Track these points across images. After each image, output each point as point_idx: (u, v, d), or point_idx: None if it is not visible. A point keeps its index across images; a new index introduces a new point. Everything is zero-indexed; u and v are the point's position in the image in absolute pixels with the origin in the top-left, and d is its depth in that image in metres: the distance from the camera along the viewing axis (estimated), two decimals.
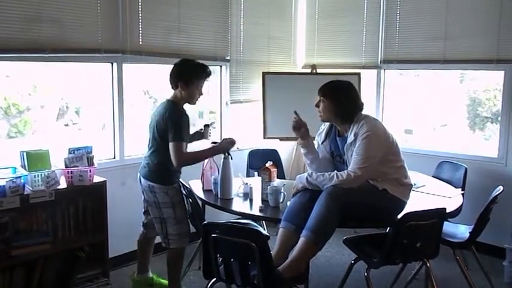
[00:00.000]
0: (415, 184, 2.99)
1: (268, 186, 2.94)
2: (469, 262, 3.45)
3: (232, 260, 2.21)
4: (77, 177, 2.97)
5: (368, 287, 2.62)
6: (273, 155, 4.07)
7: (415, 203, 2.78)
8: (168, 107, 2.87)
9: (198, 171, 3.29)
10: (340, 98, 2.69)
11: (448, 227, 3.02)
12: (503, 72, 3.91)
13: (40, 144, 3.05)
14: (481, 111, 4.52)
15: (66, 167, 2.97)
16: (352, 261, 2.79)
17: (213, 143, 3.11)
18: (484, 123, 4.49)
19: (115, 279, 3.35)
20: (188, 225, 3.03)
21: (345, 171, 2.56)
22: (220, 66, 4.38)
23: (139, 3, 3.59)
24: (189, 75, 2.90)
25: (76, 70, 3.57)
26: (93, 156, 3.12)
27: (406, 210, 2.60)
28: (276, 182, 3.14)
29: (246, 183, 3.13)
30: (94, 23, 3.33)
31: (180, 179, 3.09)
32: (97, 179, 3.11)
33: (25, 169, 2.87)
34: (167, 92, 3.03)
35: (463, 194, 3.21)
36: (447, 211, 2.62)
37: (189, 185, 3.12)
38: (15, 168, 2.94)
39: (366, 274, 2.63)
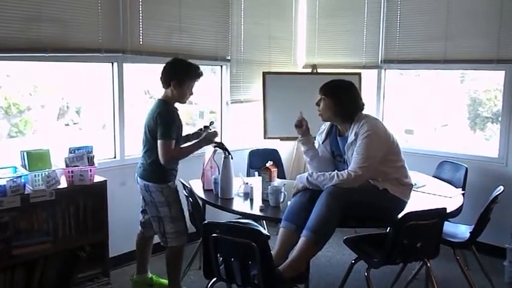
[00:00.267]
0: (415, 184, 2.98)
1: (269, 186, 2.94)
2: (470, 262, 3.45)
3: (232, 259, 2.21)
4: (77, 176, 2.97)
5: (368, 286, 2.62)
6: (273, 155, 4.08)
7: (415, 203, 2.78)
8: (159, 106, 2.89)
9: (198, 171, 3.29)
10: (341, 97, 2.70)
11: (448, 227, 3.02)
12: (503, 72, 3.91)
13: (40, 144, 3.05)
14: (481, 111, 4.52)
15: (66, 167, 2.97)
16: (353, 261, 2.78)
17: (215, 144, 3.10)
18: (485, 123, 4.49)
19: (115, 278, 3.35)
20: (185, 223, 3.03)
21: (346, 170, 2.56)
22: (221, 66, 4.38)
23: (140, 3, 3.59)
24: (182, 75, 2.91)
25: (76, 70, 3.57)
26: (93, 156, 3.12)
27: (406, 210, 2.60)
28: (277, 181, 3.14)
29: (247, 183, 3.13)
30: (95, 22, 3.34)
31: (181, 179, 3.09)
32: (97, 178, 3.11)
33: (26, 169, 2.87)
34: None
35: (463, 194, 3.21)
36: (448, 211, 2.62)
37: (189, 185, 3.12)
38: (16, 167, 2.94)
39: (366, 274, 2.63)
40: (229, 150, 3.05)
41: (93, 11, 3.32)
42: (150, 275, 3.27)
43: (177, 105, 2.99)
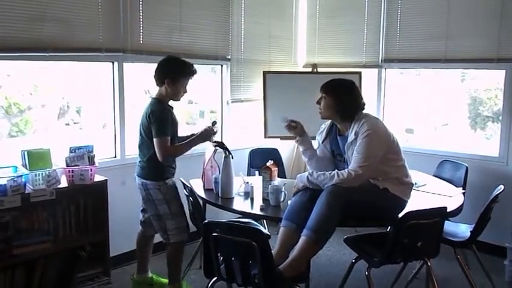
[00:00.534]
0: (416, 183, 2.98)
1: (269, 185, 2.94)
2: (470, 261, 3.45)
3: (233, 259, 2.21)
4: (77, 176, 2.97)
5: (369, 286, 2.62)
6: (273, 154, 4.08)
7: (416, 202, 2.78)
8: (152, 105, 2.90)
9: (199, 171, 3.29)
10: (342, 95, 2.70)
11: (449, 226, 3.02)
12: (504, 71, 3.91)
13: (41, 144, 3.05)
14: (482, 110, 4.52)
15: (67, 166, 2.98)
16: (353, 260, 2.78)
17: (215, 143, 3.10)
18: (485, 123, 4.49)
19: (116, 278, 3.35)
20: (186, 219, 3.04)
21: (346, 170, 2.56)
22: (221, 66, 4.38)
23: (140, 3, 3.59)
24: (176, 73, 2.91)
25: (77, 69, 3.57)
26: (94, 155, 3.12)
27: (407, 209, 2.60)
28: (277, 181, 3.14)
29: (247, 182, 3.13)
30: (95, 22, 3.34)
31: (181, 178, 3.09)
32: (98, 178, 3.11)
33: (26, 168, 2.87)
34: None
35: (464, 193, 3.21)
36: (448, 210, 2.62)
37: (190, 184, 3.12)
38: (16, 167, 2.94)
39: (366, 273, 2.63)
40: (229, 149, 3.05)
41: (94, 10, 3.32)
42: (150, 274, 3.27)
43: (173, 103, 2.99)
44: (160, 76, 2.93)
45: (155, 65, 3.01)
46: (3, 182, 2.66)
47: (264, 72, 4.52)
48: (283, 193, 2.90)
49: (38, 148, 2.95)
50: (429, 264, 2.70)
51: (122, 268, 3.60)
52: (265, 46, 4.66)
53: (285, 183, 3.00)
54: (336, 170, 2.60)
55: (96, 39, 3.35)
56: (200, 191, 3.17)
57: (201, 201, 3.12)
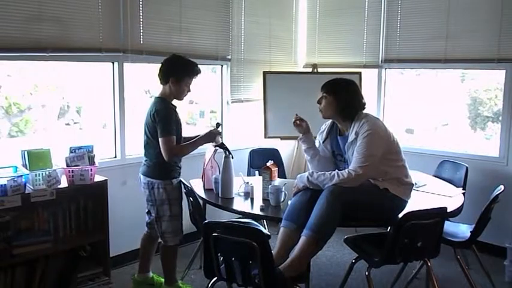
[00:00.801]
0: (416, 183, 2.98)
1: (269, 186, 2.94)
2: (470, 261, 3.45)
3: (233, 259, 2.21)
4: (78, 176, 2.97)
5: (369, 286, 2.62)
6: (274, 154, 4.08)
7: (416, 203, 2.78)
8: (156, 104, 2.90)
9: (199, 171, 3.30)
10: (343, 95, 2.70)
11: (449, 226, 3.02)
12: (504, 71, 3.91)
13: (41, 144, 3.05)
14: (482, 110, 4.52)
15: (67, 166, 2.97)
16: (353, 261, 2.78)
17: (216, 146, 3.10)
18: (485, 123, 4.49)
19: (116, 278, 3.35)
20: (181, 223, 3.05)
21: (346, 170, 2.56)
22: (221, 66, 4.38)
23: (140, 3, 3.59)
24: (180, 72, 2.92)
25: (77, 69, 3.57)
26: (94, 156, 3.12)
27: (407, 210, 2.60)
28: (277, 181, 3.15)
29: (247, 183, 3.14)
30: (95, 22, 3.34)
31: (181, 178, 3.09)
32: (98, 178, 3.11)
33: (26, 168, 2.87)
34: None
35: (464, 194, 3.21)
36: (448, 210, 2.62)
37: (190, 184, 3.12)
38: (17, 167, 2.94)
39: (366, 273, 2.63)
40: (229, 149, 3.05)
41: (94, 10, 3.32)
42: (151, 274, 3.27)
43: (176, 103, 2.99)
44: (165, 75, 2.93)
45: (155, 65, 3.01)
46: (3, 182, 2.66)
47: (264, 72, 4.52)
48: (283, 193, 2.90)
49: (38, 148, 2.95)
50: (429, 264, 2.70)
51: (122, 268, 3.60)
52: (265, 46, 4.66)
53: (285, 184, 3.00)
54: (336, 170, 2.60)
55: (96, 39, 3.35)
56: (200, 191, 3.17)
57: (201, 201, 3.12)
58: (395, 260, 2.59)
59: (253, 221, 2.91)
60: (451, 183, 3.46)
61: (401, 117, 4.81)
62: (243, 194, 3.12)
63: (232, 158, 3.04)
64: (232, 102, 4.44)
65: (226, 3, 4.24)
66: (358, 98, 2.75)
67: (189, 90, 3.00)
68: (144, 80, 4.04)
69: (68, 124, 3.71)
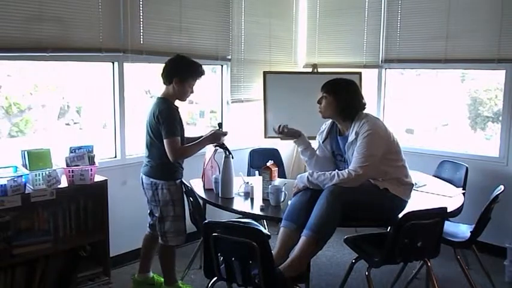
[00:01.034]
0: (416, 183, 2.98)
1: (269, 186, 2.94)
2: (470, 261, 3.45)
3: (233, 259, 2.21)
4: (78, 176, 2.97)
5: (369, 286, 2.62)
6: (274, 154, 4.08)
7: (416, 203, 2.78)
8: (159, 105, 2.90)
9: (199, 171, 3.30)
10: (343, 95, 2.70)
11: (449, 226, 3.02)
12: (504, 71, 3.91)
13: (41, 143, 3.05)
14: (482, 110, 4.52)
15: (67, 166, 2.97)
16: (353, 261, 2.78)
17: (216, 146, 3.10)
18: (485, 123, 4.49)
19: (116, 278, 3.35)
20: (185, 223, 3.04)
21: (346, 170, 2.56)
22: (221, 66, 4.38)
23: (141, 3, 3.59)
24: (185, 73, 2.92)
25: (77, 69, 3.57)
26: (94, 156, 3.12)
27: (407, 210, 2.60)
28: (277, 181, 3.15)
29: (247, 183, 3.14)
30: (95, 22, 3.34)
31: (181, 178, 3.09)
32: (98, 178, 3.11)
33: (26, 168, 2.87)
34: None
35: (464, 194, 3.21)
36: (448, 210, 2.62)
37: (190, 184, 3.12)
38: (17, 167, 2.94)
39: (366, 273, 2.63)
40: (229, 149, 3.05)
41: (94, 10, 3.32)
42: (151, 274, 3.27)
43: (176, 103, 2.99)
44: (169, 75, 2.93)
45: (155, 65, 3.01)
46: (3, 182, 2.66)
47: (264, 72, 4.52)
48: (283, 193, 2.90)
49: (38, 148, 2.95)
50: (429, 264, 2.70)
51: (122, 268, 3.60)
52: (265, 46, 4.66)
53: (285, 184, 3.00)
54: (336, 170, 2.60)
55: (96, 39, 3.35)
56: (200, 191, 3.17)
57: (201, 201, 3.12)
58: (395, 260, 2.59)
59: (253, 221, 2.90)
60: (451, 183, 3.45)
61: (402, 117, 4.81)
62: (243, 194, 3.12)
63: (232, 158, 3.04)
64: (232, 102, 4.44)
65: (226, 3, 4.24)
66: (358, 98, 2.75)
67: (192, 92, 3.00)
68: (144, 80, 4.04)
69: (68, 124, 3.71)
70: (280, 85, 4.52)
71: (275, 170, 3.12)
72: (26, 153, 2.89)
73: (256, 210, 2.86)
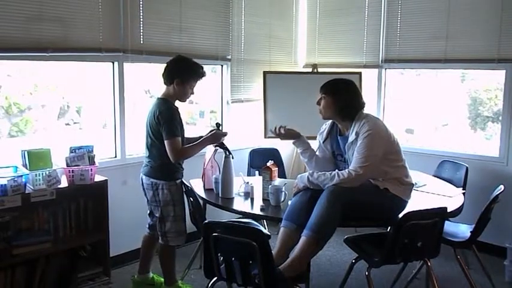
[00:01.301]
0: (416, 183, 2.98)
1: (269, 186, 2.94)
2: (470, 261, 3.46)
3: (233, 259, 2.21)
4: (78, 176, 2.97)
5: (369, 286, 2.62)
6: (274, 154, 4.08)
7: (416, 203, 2.78)
8: (159, 105, 2.90)
9: (199, 171, 3.30)
10: (342, 95, 2.70)
11: (449, 226, 3.02)
12: (504, 71, 3.91)
13: (41, 143, 3.05)
14: (482, 110, 4.52)
15: (67, 166, 2.97)
16: (353, 261, 2.79)
17: (216, 146, 3.10)
18: (485, 123, 4.49)
19: (116, 278, 3.35)
20: (185, 224, 3.04)
21: (346, 170, 2.56)
22: (221, 66, 4.38)
23: (141, 2, 3.59)
24: (186, 74, 2.92)
25: (77, 69, 3.57)
26: (94, 155, 3.12)
27: (407, 210, 2.60)
28: (277, 181, 3.15)
29: (247, 183, 3.13)
30: (95, 22, 3.34)
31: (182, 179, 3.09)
32: (98, 178, 3.11)
33: (26, 168, 2.87)
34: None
35: (464, 194, 3.21)
36: (448, 210, 2.62)
37: (190, 184, 3.12)
38: (17, 167, 2.94)
39: (366, 273, 2.63)
40: (229, 149, 3.05)
41: (94, 10, 3.32)
42: (151, 275, 3.27)
43: (177, 103, 2.99)
44: (170, 75, 2.93)
45: (155, 65, 3.01)
46: (3, 182, 2.66)
47: (264, 72, 4.52)
48: (283, 193, 2.90)
49: (38, 148, 2.95)
50: (429, 264, 2.70)
51: (122, 268, 3.60)
52: (265, 46, 4.66)
53: (285, 184, 3.00)
54: (337, 170, 2.60)
55: (96, 39, 3.35)
56: (200, 191, 3.17)
57: (201, 201, 3.12)
58: (395, 260, 2.59)
59: (253, 221, 2.90)
60: (451, 183, 3.46)
61: (402, 117, 4.81)
62: (243, 194, 3.11)
63: (233, 158, 3.04)
64: (232, 102, 4.44)
65: (226, 3, 4.24)
66: (357, 97, 2.75)
67: (192, 93, 3.00)
68: (144, 80, 4.04)
69: (68, 124, 3.71)
70: (280, 85, 4.52)
71: (275, 170, 3.12)
72: (26, 153, 2.89)
73: (256, 210, 2.86)
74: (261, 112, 4.52)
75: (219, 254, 2.25)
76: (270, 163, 3.12)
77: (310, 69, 4.89)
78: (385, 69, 4.60)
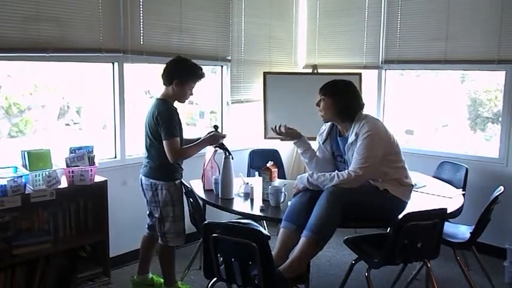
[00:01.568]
0: (416, 184, 2.98)
1: (269, 186, 2.94)
2: (470, 262, 3.45)
3: (233, 259, 2.21)
4: (78, 176, 2.97)
5: (369, 287, 2.62)
6: (273, 155, 4.08)
7: (416, 203, 2.77)
8: (158, 106, 2.90)
9: (199, 171, 3.30)
10: (341, 96, 2.70)
11: (448, 227, 3.02)
12: (504, 72, 3.91)
13: (41, 144, 3.05)
14: (482, 111, 4.52)
15: (67, 167, 2.98)
16: (353, 262, 2.79)
17: (216, 147, 3.11)
18: (485, 124, 4.49)
19: (116, 278, 3.35)
20: (184, 224, 3.05)
21: (346, 171, 2.56)
22: (222, 66, 4.39)
23: (141, 3, 3.59)
24: (185, 75, 2.92)
25: (77, 69, 3.57)
26: (94, 156, 3.12)
27: (406, 211, 2.60)
28: (277, 182, 3.14)
29: (247, 183, 3.13)
30: (95, 22, 3.34)
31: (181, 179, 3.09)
32: (98, 178, 3.11)
33: (26, 168, 2.87)
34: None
35: (463, 195, 3.21)
36: (448, 211, 2.62)
37: (189, 185, 3.12)
38: (17, 167, 2.94)
39: (366, 274, 2.63)
40: (229, 150, 3.05)
41: (94, 10, 3.32)
42: (150, 275, 3.27)
43: (176, 104, 2.99)
44: (169, 76, 2.93)
45: (155, 66, 3.01)
46: (3, 182, 2.66)
47: (264, 73, 4.52)
48: (283, 194, 2.90)
49: (38, 148, 2.95)
50: (429, 265, 2.70)
51: (122, 268, 3.60)
52: (265, 47, 4.66)
53: (285, 184, 3.00)
54: (336, 171, 2.60)
55: (96, 40, 3.35)
56: (200, 192, 3.17)
57: (201, 202, 3.11)
58: (395, 261, 2.59)
59: (253, 222, 2.91)
60: (451, 184, 3.46)
61: (402, 118, 4.81)
62: (242, 194, 3.11)
63: (232, 158, 3.04)
64: (232, 102, 4.44)
65: (226, 4, 4.24)
66: (356, 98, 2.75)
67: (191, 94, 3.01)
68: (144, 81, 4.04)
69: (68, 124, 3.71)
70: (280, 86, 4.52)
71: (275, 170, 3.12)
72: (26, 153, 2.89)
73: (256, 211, 2.86)
74: (261, 113, 4.52)
75: (218, 255, 2.25)
76: (269, 164, 3.12)
77: (310, 70, 4.89)
78: (385, 70, 4.60)
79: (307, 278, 2.57)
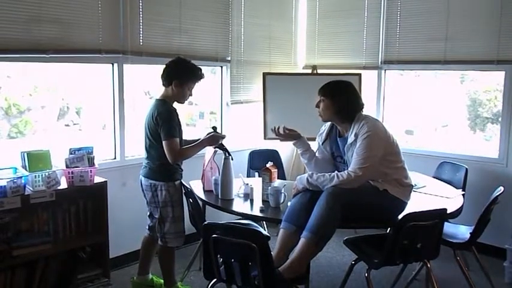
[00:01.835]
0: (415, 185, 2.99)
1: (269, 187, 2.94)
2: (470, 263, 3.45)
3: (232, 260, 2.21)
4: (77, 177, 2.97)
5: (368, 287, 2.62)
6: (273, 156, 4.08)
7: (415, 204, 2.78)
8: (157, 107, 2.90)
9: (198, 172, 3.30)
10: (340, 97, 2.70)
11: (448, 227, 3.02)
12: (503, 72, 3.91)
13: (41, 145, 3.05)
14: (481, 111, 4.52)
15: (66, 168, 2.98)
16: (353, 262, 2.79)
17: (215, 147, 3.11)
18: (485, 124, 4.49)
19: (115, 279, 3.35)
20: (184, 225, 3.04)
21: (346, 171, 2.56)
22: (221, 67, 4.38)
23: (140, 4, 3.59)
24: (185, 76, 2.92)
25: (77, 70, 3.57)
26: (93, 157, 3.12)
27: (406, 211, 2.60)
28: (277, 182, 3.14)
29: (247, 184, 3.13)
30: (95, 23, 3.34)
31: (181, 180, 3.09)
32: (98, 179, 3.11)
33: (26, 169, 2.87)
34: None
35: (463, 195, 3.21)
36: (448, 212, 2.62)
37: (189, 186, 3.12)
38: (16, 168, 2.94)
39: (366, 275, 2.63)
40: (229, 151, 3.05)
41: (94, 11, 3.32)
42: (150, 276, 3.27)
43: (175, 104, 2.99)
44: (169, 77, 2.93)
45: (155, 66, 3.01)
46: (3, 183, 2.66)
47: (263, 73, 4.52)
48: (282, 195, 2.90)
49: (38, 149, 2.95)
50: (429, 265, 2.70)
51: (122, 269, 3.60)
52: (265, 48, 4.66)
53: (284, 185, 3.00)
54: (336, 172, 2.60)
55: (96, 41, 3.35)
56: (200, 193, 3.17)
57: (200, 203, 3.11)
58: (394, 262, 2.59)
59: (252, 223, 2.91)
60: (451, 185, 3.46)
61: (401, 119, 4.82)
62: (242, 195, 3.11)
63: (232, 159, 3.04)
64: (232, 103, 4.44)
65: (226, 5, 4.24)
66: (355, 99, 2.75)
67: (190, 94, 3.01)
68: (144, 81, 4.04)
69: (67, 125, 3.71)
70: (279, 86, 4.52)
71: (275, 171, 3.12)
72: (25, 154, 2.89)
73: (256, 212, 2.86)
74: (261, 113, 4.52)
75: (218, 256, 2.25)
76: (269, 164, 3.12)
77: (309, 71, 4.89)
78: (385, 70, 4.60)
79: (307, 278, 2.57)
